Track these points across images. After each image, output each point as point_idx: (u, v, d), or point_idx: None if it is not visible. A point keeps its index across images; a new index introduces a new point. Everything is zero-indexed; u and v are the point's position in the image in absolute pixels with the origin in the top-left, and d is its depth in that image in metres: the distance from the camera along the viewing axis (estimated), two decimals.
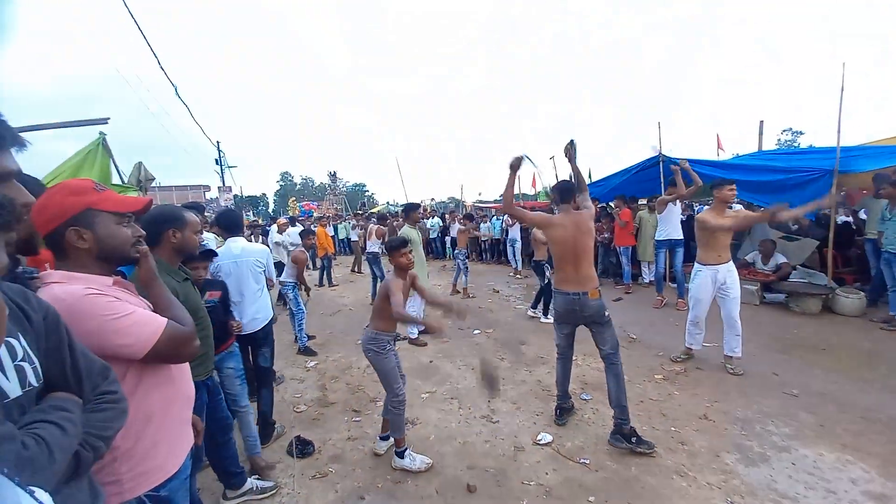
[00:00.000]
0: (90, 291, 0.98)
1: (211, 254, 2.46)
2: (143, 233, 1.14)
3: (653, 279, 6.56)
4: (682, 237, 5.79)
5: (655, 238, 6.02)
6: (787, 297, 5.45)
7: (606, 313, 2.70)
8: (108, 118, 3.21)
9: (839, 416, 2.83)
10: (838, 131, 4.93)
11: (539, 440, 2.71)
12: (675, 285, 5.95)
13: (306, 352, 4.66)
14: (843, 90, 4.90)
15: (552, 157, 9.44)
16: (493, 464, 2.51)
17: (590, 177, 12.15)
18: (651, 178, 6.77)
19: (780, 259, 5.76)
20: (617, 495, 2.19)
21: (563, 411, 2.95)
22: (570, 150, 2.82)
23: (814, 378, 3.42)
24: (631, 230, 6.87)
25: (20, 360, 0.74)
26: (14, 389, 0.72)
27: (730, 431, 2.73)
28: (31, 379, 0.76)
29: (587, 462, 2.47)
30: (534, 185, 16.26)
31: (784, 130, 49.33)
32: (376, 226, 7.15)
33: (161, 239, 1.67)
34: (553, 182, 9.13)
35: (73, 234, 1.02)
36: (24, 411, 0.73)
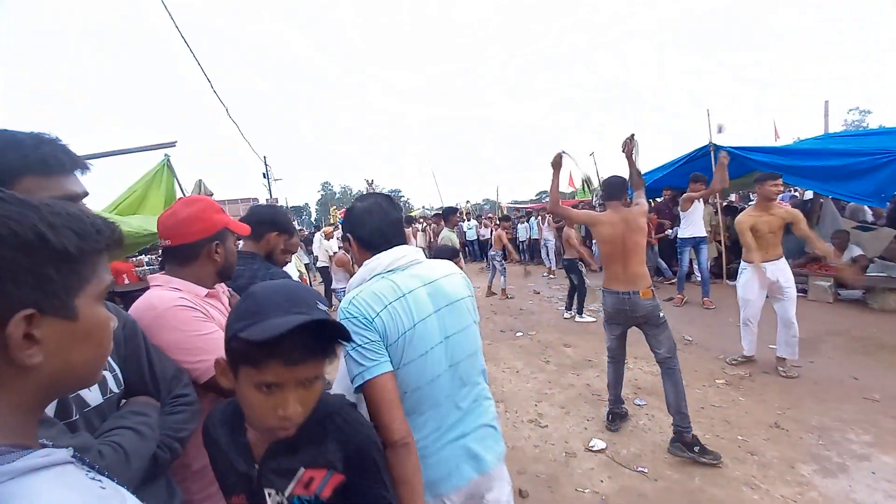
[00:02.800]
0: (181, 303, 1.03)
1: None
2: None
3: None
4: (705, 234, 5.73)
5: (679, 236, 5.89)
6: (865, 292, 4.95)
7: (661, 314, 2.55)
8: (176, 142, 3.50)
9: None
10: None
11: (591, 446, 2.62)
12: (701, 283, 5.77)
13: None
14: None
15: (592, 154, 9.19)
16: (544, 469, 2.47)
17: None
18: (701, 170, 6.38)
19: (855, 251, 5.24)
20: None
21: (617, 416, 2.84)
22: (630, 145, 2.62)
23: None
24: None
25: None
26: (95, 398, 0.77)
27: (805, 440, 2.51)
28: (112, 386, 0.81)
29: (645, 471, 2.36)
30: (571, 182, 15.86)
31: (851, 110, 44.98)
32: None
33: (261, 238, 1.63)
34: (594, 178, 8.90)
35: (214, 248, 1.11)
36: (104, 417, 0.78)
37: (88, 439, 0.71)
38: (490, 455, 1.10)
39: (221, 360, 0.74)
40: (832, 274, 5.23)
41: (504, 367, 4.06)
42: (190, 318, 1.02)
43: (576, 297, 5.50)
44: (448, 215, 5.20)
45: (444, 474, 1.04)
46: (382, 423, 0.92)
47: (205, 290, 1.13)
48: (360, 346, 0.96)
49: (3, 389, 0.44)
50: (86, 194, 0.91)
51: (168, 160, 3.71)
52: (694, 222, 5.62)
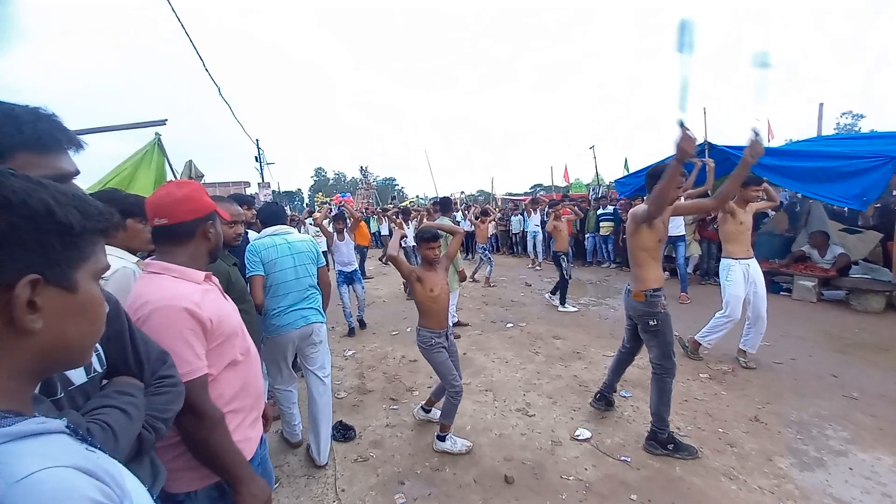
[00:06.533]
0: (187, 305, 1.02)
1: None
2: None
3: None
4: (683, 233, 6.06)
5: None
6: (848, 293, 5.08)
7: (652, 322, 2.45)
8: (166, 120, 3.42)
9: None
10: None
11: (577, 436, 2.67)
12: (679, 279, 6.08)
13: (350, 333, 5.13)
14: None
15: (592, 147, 9.24)
16: (530, 457, 2.51)
17: (626, 167, 11.72)
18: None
19: (836, 250, 5.38)
20: (660, 495, 2.14)
21: (603, 398, 2.91)
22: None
23: (875, 380, 3.20)
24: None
25: None
26: (80, 377, 0.77)
27: (783, 434, 2.59)
28: (96, 365, 0.81)
29: (628, 460, 2.42)
30: (566, 177, 15.87)
31: (843, 114, 45.35)
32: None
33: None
34: (593, 172, 8.96)
35: (208, 228, 1.16)
36: (88, 396, 0.78)
37: (77, 417, 0.71)
38: (313, 318, 2.51)
39: None
40: (816, 274, 5.35)
41: (494, 357, 4.10)
42: (184, 327, 1.01)
43: (559, 288, 5.75)
44: (445, 206, 5.27)
45: (292, 321, 2.43)
46: (253, 294, 2.27)
47: (202, 274, 1.13)
48: (251, 260, 2.38)
49: (3, 352, 0.46)
50: (77, 173, 0.89)
51: (159, 139, 3.62)
52: (673, 221, 5.81)
